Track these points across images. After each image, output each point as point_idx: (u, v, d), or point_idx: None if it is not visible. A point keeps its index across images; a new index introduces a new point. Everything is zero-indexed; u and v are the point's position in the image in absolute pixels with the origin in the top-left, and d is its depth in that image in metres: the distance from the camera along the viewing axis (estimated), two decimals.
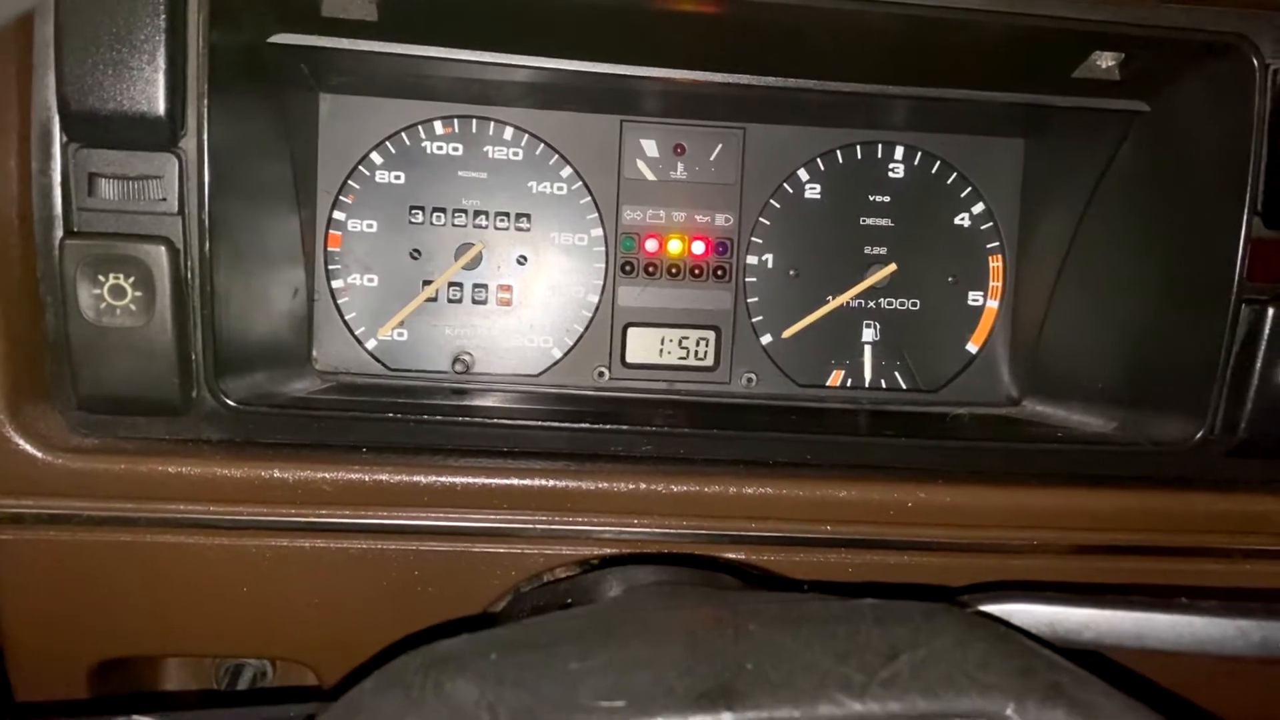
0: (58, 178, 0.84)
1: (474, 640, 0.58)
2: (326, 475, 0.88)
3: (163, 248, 0.84)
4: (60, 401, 0.88)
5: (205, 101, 0.84)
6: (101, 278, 0.84)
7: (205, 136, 0.84)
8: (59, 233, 0.84)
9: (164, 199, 0.85)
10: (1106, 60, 0.96)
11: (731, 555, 0.94)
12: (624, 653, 0.56)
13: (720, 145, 1.23)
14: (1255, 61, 0.90)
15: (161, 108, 0.82)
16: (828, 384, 1.27)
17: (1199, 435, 0.95)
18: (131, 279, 0.84)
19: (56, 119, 0.83)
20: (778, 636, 0.58)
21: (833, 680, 0.54)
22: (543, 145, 1.21)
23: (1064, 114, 1.09)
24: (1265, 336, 0.91)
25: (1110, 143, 1.09)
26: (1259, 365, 0.92)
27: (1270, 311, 0.91)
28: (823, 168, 1.24)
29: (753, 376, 1.26)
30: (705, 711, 0.51)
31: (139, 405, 0.88)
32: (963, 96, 1.04)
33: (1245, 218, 0.91)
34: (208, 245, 0.85)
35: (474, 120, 1.20)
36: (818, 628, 0.59)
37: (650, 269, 1.24)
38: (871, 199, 1.25)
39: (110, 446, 0.89)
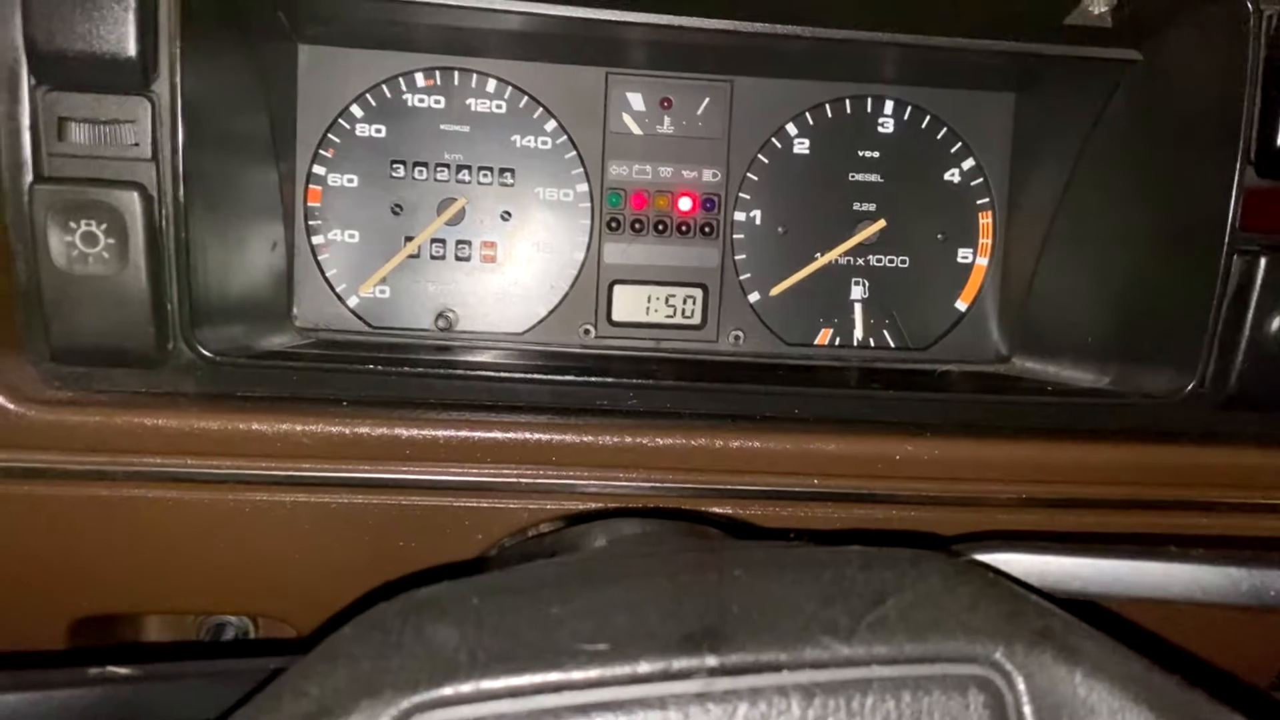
0: (26, 121, 0.81)
1: (454, 586, 0.57)
2: (305, 428, 0.87)
3: (135, 194, 0.82)
4: (33, 353, 0.86)
5: (178, 43, 0.81)
6: (73, 224, 0.81)
7: (178, 79, 0.82)
8: (28, 178, 0.82)
9: (136, 144, 0.82)
10: (1099, 5, 0.94)
11: (717, 509, 0.93)
12: (606, 597, 0.55)
13: (707, 99, 1.21)
14: (1250, 6, 0.88)
15: (132, 48, 0.79)
16: (816, 342, 1.26)
17: (1189, 388, 0.94)
18: (104, 226, 0.82)
19: (24, 60, 0.80)
20: (763, 581, 0.57)
21: (819, 623, 0.53)
22: (526, 98, 1.18)
23: (1055, 66, 1.08)
24: (1257, 287, 0.90)
25: (1101, 94, 1.08)
26: (1250, 317, 0.91)
27: (1263, 262, 0.90)
28: (811, 122, 1.23)
29: (740, 335, 1.25)
30: (688, 654, 0.50)
31: (113, 356, 0.86)
32: (953, 45, 1.02)
33: (1238, 167, 0.90)
34: (182, 192, 0.83)
35: (455, 72, 1.17)
36: (804, 572, 0.58)
37: (636, 225, 1.22)
38: (861, 154, 1.23)
39: (85, 399, 0.87)
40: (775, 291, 1.24)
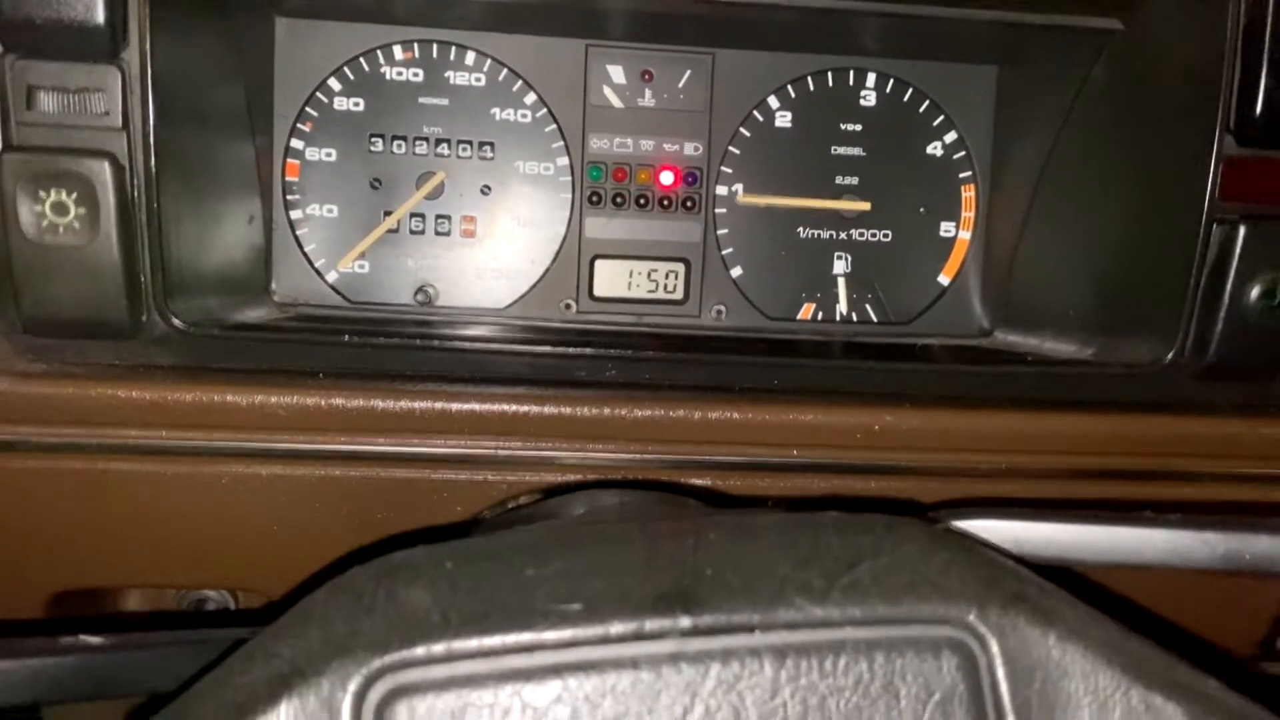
0: None
1: (428, 550, 0.57)
2: (282, 400, 0.86)
3: (106, 163, 0.81)
4: (4, 325, 0.85)
5: (147, 10, 0.80)
6: (42, 194, 0.81)
7: (148, 47, 0.81)
8: None
9: (106, 113, 0.82)
10: None
11: (697, 480, 0.93)
12: (581, 560, 0.55)
13: (689, 71, 1.20)
14: None
15: (101, 15, 0.78)
16: (798, 317, 1.25)
17: (1169, 357, 0.94)
18: (74, 195, 0.81)
19: None
20: (738, 544, 0.58)
21: (793, 585, 0.53)
22: (506, 71, 1.17)
23: (1037, 36, 1.07)
24: (1236, 256, 0.90)
25: (1083, 65, 1.07)
26: (1229, 286, 0.91)
27: (1242, 230, 0.90)
28: (793, 95, 1.22)
29: (722, 310, 1.24)
30: (662, 615, 0.50)
31: (86, 328, 0.85)
32: (935, 14, 1.01)
33: (1217, 136, 0.90)
34: (153, 161, 0.82)
35: (434, 45, 1.16)
36: (779, 536, 0.58)
37: (618, 199, 1.21)
38: (843, 128, 1.23)
39: (58, 371, 0.86)
40: (742, 200, 1.23)
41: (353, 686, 0.47)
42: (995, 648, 0.52)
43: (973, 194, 1.25)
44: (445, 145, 1.17)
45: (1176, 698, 0.51)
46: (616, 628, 0.49)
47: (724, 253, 1.23)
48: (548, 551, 0.56)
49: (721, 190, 1.23)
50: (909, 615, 0.52)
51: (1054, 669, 0.52)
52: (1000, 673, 0.52)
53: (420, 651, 0.48)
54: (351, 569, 0.56)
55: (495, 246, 1.20)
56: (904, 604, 0.53)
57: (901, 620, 0.52)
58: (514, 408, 0.90)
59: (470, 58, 1.17)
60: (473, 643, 0.48)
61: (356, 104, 1.16)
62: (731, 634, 0.50)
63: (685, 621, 0.50)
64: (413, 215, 1.18)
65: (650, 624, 0.50)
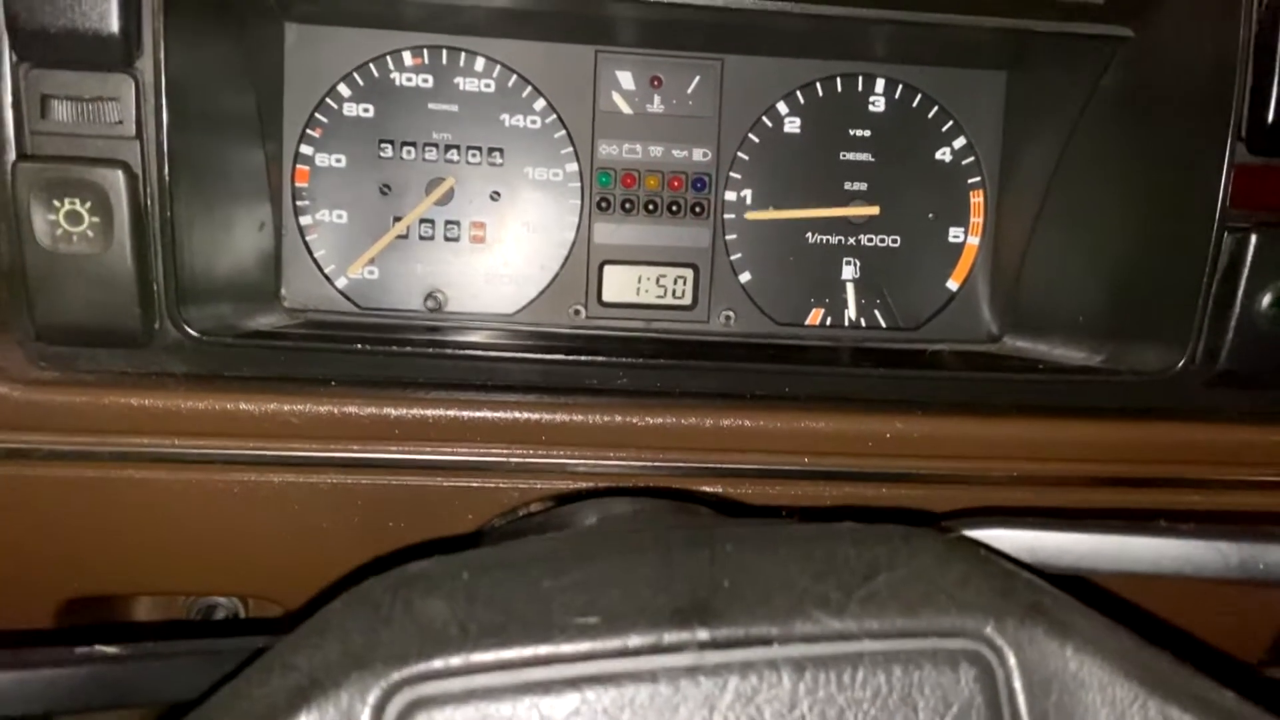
0: (8, 99, 0.80)
1: (445, 561, 0.57)
2: (294, 407, 0.86)
3: (120, 172, 0.81)
4: (18, 332, 0.85)
5: (161, 19, 0.81)
6: (56, 203, 0.81)
7: (162, 56, 0.81)
8: (11, 155, 0.81)
9: (120, 122, 0.82)
10: None
11: (708, 488, 0.93)
12: (598, 571, 0.55)
13: (698, 77, 1.21)
14: None
15: (115, 24, 0.78)
16: (807, 323, 1.25)
17: (1179, 365, 0.94)
18: (88, 204, 0.81)
19: (5, 37, 0.79)
20: (755, 556, 0.57)
21: (810, 598, 0.53)
22: (515, 77, 1.18)
23: (1046, 44, 1.07)
24: (1248, 264, 0.90)
25: (1093, 72, 1.07)
26: (1240, 294, 0.91)
27: (1253, 238, 0.90)
28: (802, 101, 1.22)
29: (731, 315, 1.24)
30: (680, 628, 0.50)
31: (100, 336, 0.85)
32: (945, 21, 1.01)
33: (1229, 144, 0.90)
34: (167, 170, 0.83)
35: (444, 51, 1.16)
36: (795, 548, 0.58)
37: (627, 205, 1.21)
38: (852, 133, 1.23)
39: (71, 379, 0.86)
40: (750, 217, 1.23)
41: (371, 699, 0.47)
42: (1013, 660, 0.52)
43: (981, 199, 1.25)
44: (455, 151, 1.17)
45: (1194, 710, 0.51)
46: (634, 640, 0.49)
47: (732, 258, 1.23)
48: (564, 562, 0.56)
49: (730, 196, 1.23)
50: (926, 628, 0.52)
51: (1071, 681, 0.52)
52: (1018, 685, 0.51)
53: (439, 664, 0.48)
54: (368, 579, 0.56)
55: (505, 252, 1.20)
56: (921, 616, 0.53)
57: (919, 633, 0.52)
58: (526, 415, 0.90)
59: (480, 64, 1.17)
60: (491, 655, 0.48)
61: (366, 110, 1.16)
62: (749, 647, 0.50)
63: (703, 634, 0.50)
64: (422, 221, 1.18)
65: (668, 637, 0.50)
